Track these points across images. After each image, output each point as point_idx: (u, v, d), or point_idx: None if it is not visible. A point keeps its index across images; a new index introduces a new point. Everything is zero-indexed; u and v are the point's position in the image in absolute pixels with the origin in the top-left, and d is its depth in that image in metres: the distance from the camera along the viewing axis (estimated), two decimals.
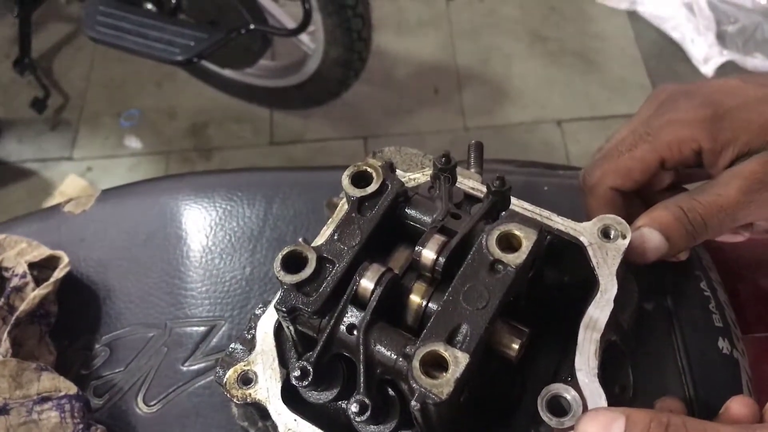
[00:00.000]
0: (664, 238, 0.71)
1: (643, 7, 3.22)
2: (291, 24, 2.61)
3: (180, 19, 2.51)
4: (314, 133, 3.05)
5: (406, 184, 0.71)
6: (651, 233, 0.71)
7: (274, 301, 0.68)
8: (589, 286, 0.69)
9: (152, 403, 0.83)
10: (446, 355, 0.56)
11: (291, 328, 0.64)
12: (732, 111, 0.73)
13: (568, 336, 0.68)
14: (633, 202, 0.79)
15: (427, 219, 0.67)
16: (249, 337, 0.71)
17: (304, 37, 2.76)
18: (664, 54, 3.13)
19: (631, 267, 0.73)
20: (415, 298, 0.64)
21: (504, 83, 3.13)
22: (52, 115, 3.16)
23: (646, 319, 0.77)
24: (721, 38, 3.02)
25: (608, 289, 0.66)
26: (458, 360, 0.55)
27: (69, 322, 0.90)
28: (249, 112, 3.11)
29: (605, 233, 0.69)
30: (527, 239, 0.61)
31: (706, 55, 2.97)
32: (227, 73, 2.98)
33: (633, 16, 3.26)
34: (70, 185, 2.93)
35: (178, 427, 0.80)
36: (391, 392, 0.63)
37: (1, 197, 2.92)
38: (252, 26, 2.43)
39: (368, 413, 0.58)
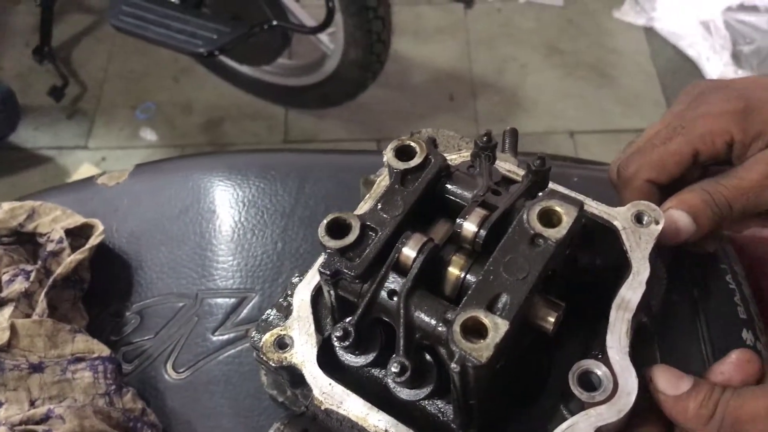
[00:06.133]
0: (692, 219, 0.73)
1: (660, 23, 3.25)
2: (312, 22, 2.63)
3: (203, 12, 2.54)
4: (328, 133, 3.08)
5: None
6: (679, 214, 0.73)
7: (314, 267, 0.70)
8: (619, 270, 0.70)
9: (181, 370, 0.84)
10: (486, 321, 0.57)
11: (332, 292, 0.65)
12: (762, 104, 0.75)
13: (596, 318, 0.69)
14: (664, 197, 0.81)
15: (468, 194, 0.68)
16: (285, 304, 0.73)
17: (323, 37, 2.79)
18: (679, 71, 3.15)
19: (661, 257, 0.75)
20: (453, 270, 0.65)
21: (518, 93, 3.16)
22: (69, 104, 3.19)
23: (673, 308, 0.79)
24: (737, 58, 3.04)
25: (640, 271, 0.68)
26: (498, 326, 0.57)
27: (100, 290, 0.91)
28: (264, 109, 3.14)
29: (638, 218, 0.71)
30: (568, 215, 0.62)
31: (721, 73, 2.99)
32: (245, 69, 3.01)
33: (650, 32, 3.29)
34: (84, 174, 2.95)
35: (206, 394, 0.82)
36: (428, 358, 0.65)
37: (16, 183, 2.94)
38: (274, 22, 2.46)
39: (407, 374, 0.60)
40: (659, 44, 3.26)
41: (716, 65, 3.02)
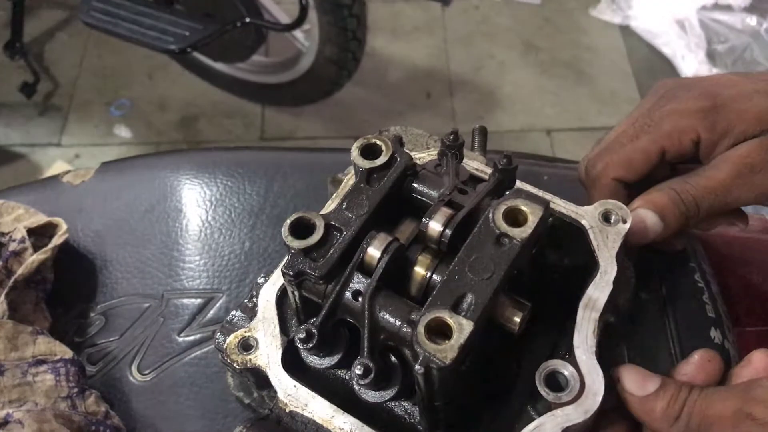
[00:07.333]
0: (659, 218, 0.73)
1: (636, 22, 3.27)
2: (286, 20, 2.61)
3: (175, 9, 2.50)
4: (305, 131, 3.06)
5: None
6: (646, 213, 0.73)
7: (279, 267, 0.69)
8: (587, 269, 0.70)
9: (146, 372, 0.83)
10: (451, 322, 0.56)
11: (296, 293, 0.64)
12: (729, 102, 0.75)
13: (565, 317, 0.69)
14: (633, 195, 0.81)
15: (434, 193, 0.68)
16: (250, 305, 0.72)
17: (298, 34, 2.77)
18: (654, 69, 3.17)
19: (629, 255, 0.75)
20: (419, 270, 0.64)
21: (495, 90, 3.16)
22: (41, 100, 3.14)
23: (641, 307, 0.79)
24: (711, 56, 3.07)
25: (608, 271, 0.67)
26: (462, 327, 0.56)
27: (64, 290, 0.90)
28: (240, 107, 3.11)
29: (606, 217, 0.70)
30: (533, 214, 0.62)
31: (695, 71, 3.01)
32: (220, 66, 2.98)
33: (626, 30, 3.31)
34: (57, 171, 2.90)
35: (172, 396, 0.81)
36: (393, 359, 0.64)
37: None
38: (247, 19, 2.43)
39: (371, 377, 0.59)
40: (635, 42, 3.28)
41: (691, 63, 3.04)
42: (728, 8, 3.11)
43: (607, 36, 3.32)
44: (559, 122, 3.05)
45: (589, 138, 2.97)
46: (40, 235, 0.91)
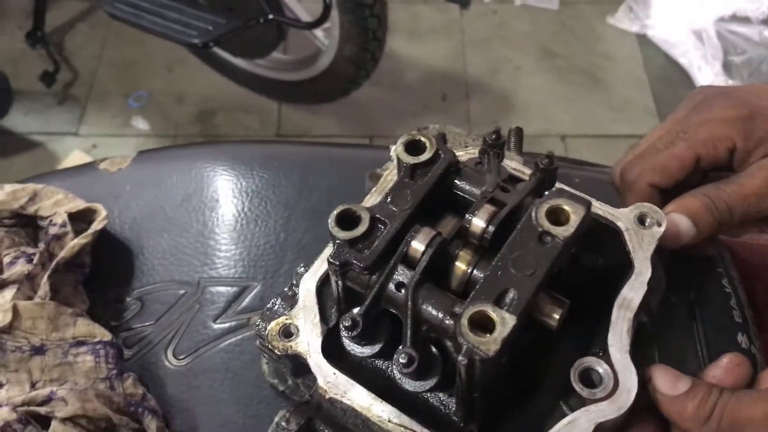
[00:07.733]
0: (692, 223, 0.74)
1: (653, 31, 3.28)
2: (307, 17, 2.63)
3: (199, 3, 2.52)
4: (321, 128, 3.08)
5: None
6: (680, 218, 0.74)
7: (320, 258, 0.71)
8: (621, 270, 0.71)
9: (182, 357, 0.84)
10: (494, 315, 0.58)
11: (340, 282, 0.66)
12: (766, 111, 0.76)
13: (596, 317, 0.70)
14: (666, 201, 0.82)
15: (476, 190, 0.69)
16: (290, 294, 0.73)
17: (318, 32, 2.78)
18: (670, 79, 3.18)
19: (660, 258, 0.76)
20: (460, 265, 0.66)
21: (511, 95, 3.18)
22: (60, 89, 3.17)
23: (670, 310, 0.80)
24: (728, 68, 3.08)
25: (643, 272, 0.69)
26: (506, 321, 0.58)
27: (101, 275, 0.92)
28: (257, 103, 3.13)
29: (641, 220, 0.72)
30: (576, 214, 0.64)
31: (711, 83, 3.02)
32: (239, 62, 3.00)
33: (642, 39, 3.32)
34: (75, 161, 2.93)
35: (206, 381, 0.82)
36: (434, 350, 0.65)
37: (5, 167, 2.92)
38: (270, 16, 2.45)
39: (414, 366, 0.60)
40: (652, 52, 3.29)
41: (707, 74, 3.05)
42: (746, 20, 3.12)
43: (624, 44, 3.33)
44: (574, 128, 3.06)
45: (603, 145, 2.98)
46: (78, 220, 0.93)
